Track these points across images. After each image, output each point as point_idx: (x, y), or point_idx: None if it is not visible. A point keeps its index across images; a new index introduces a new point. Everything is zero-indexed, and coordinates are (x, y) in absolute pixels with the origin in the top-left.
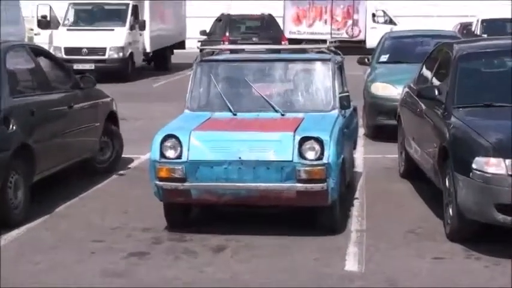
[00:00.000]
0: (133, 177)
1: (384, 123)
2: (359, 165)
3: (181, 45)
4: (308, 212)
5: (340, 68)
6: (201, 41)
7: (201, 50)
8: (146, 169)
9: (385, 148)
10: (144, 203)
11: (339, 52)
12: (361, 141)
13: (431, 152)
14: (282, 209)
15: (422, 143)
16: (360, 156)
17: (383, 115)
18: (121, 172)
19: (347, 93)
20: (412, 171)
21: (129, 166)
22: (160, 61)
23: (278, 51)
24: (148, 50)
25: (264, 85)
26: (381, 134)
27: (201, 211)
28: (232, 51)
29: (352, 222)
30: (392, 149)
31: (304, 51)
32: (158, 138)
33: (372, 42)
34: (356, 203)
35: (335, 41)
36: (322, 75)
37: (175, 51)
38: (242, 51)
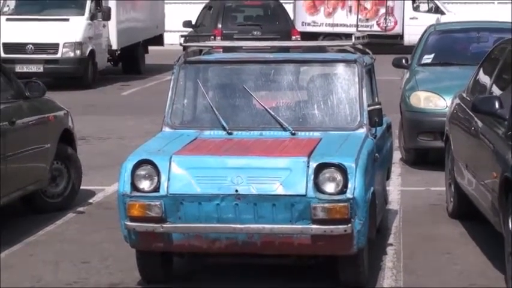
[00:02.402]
0: (96, 217)
1: (427, 146)
2: (394, 201)
3: (158, 40)
4: (327, 264)
5: (369, 72)
6: (184, 36)
7: (184, 48)
8: (113, 205)
9: (428, 178)
10: (110, 250)
11: (369, 51)
12: (396, 169)
13: (490, 184)
14: (293, 259)
15: (478, 172)
16: (395, 189)
17: (426, 135)
18: (79, 209)
19: (379, 106)
20: (464, 210)
21: (90, 201)
22: (130, 62)
23: (287, 49)
24: (114, 47)
25: (269, 94)
26: (423, 159)
27: (185, 262)
28: (226, 49)
29: (384, 277)
30: (438, 180)
31: (322, 49)
32: (129, 164)
33: (411, 38)
34: (390, 251)
35: (363, 36)
36: (345, 82)
37: (150, 48)
38: (239, 49)
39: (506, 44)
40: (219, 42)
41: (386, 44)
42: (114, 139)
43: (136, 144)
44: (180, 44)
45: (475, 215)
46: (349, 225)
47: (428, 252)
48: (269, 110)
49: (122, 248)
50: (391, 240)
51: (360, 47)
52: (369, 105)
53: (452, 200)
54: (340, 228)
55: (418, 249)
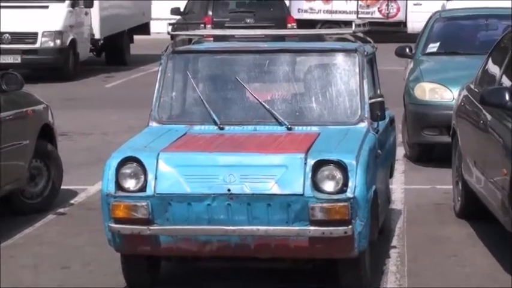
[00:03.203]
0: (78, 218)
1: (432, 141)
2: (397, 200)
3: (144, 29)
4: (326, 268)
5: (371, 62)
6: (172, 24)
7: (172, 37)
8: (96, 206)
9: (434, 176)
10: (92, 254)
11: (370, 40)
12: (399, 166)
13: (500, 181)
14: (289, 263)
15: (487, 169)
16: (398, 187)
17: (431, 129)
18: (60, 211)
19: (381, 99)
20: (472, 209)
21: (71, 202)
22: (114, 52)
23: (283, 38)
24: (97, 36)
25: (263, 87)
26: (428, 155)
27: (174, 266)
28: (217, 38)
29: (387, 281)
30: (444, 178)
31: (320, 38)
32: (113, 162)
33: (415, 25)
34: (393, 253)
35: (364, 24)
36: (345, 73)
37: (135, 37)
38: (231, 38)
39: None
40: (209, 31)
41: (389, 31)
42: (97, 135)
43: (121, 141)
44: (168, 33)
45: (484, 214)
46: (350, 226)
47: (434, 255)
48: (263, 103)
49: (105, 252)
50: (394, 242)
51: (361, 35)
52: (370, 98)
53: (459, 198)
54: (340, 229)
55: (423, 251)
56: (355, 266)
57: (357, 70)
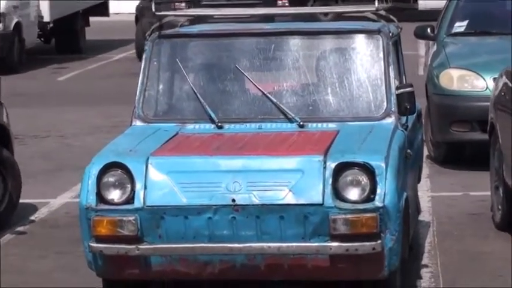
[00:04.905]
0: (41, 238)
1: (462, 139)
2: (424, 210)
3: (101, 10)
4: None
5: (396, 46)
6: (157, 2)
7: (159, 19)
8: (62, 223)
9: (465, 181)
10: (63, 281)
11: (393, 18)
12: (423, 169)
13: None
14: (307, 285)
15: None
16: (424, 194)
17: (461, 125)
18: (19, 229)
19: (410, 88)
20: None
21: (31, 218)
22: (66, 38)
23: (272, 18)
24: (46, 18)
25: (269, 76)
26: (457, 156)
27: None
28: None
29: None
30: (478, 182)
31: (314, 17)
32: (94, 169)
33: (427, 2)
34: (425, 273)
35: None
36: (367, 59)
37: (92, 20)
38: (210, 19)
39: None
40: (204, 10)
41: (397, 8)
42: (54, 137)
43: (84, 144)
44: (154, 14)
45: None
46: (379, 241)
47: (474, 275)
48: (269, 96)
49: (77, 278)
50: (425, 260)
51: (383, 13)
52: (397, 88)
53: (500, 207)
54: (367, 245)
55: (461, 271)
56: None
57: (381, 55)
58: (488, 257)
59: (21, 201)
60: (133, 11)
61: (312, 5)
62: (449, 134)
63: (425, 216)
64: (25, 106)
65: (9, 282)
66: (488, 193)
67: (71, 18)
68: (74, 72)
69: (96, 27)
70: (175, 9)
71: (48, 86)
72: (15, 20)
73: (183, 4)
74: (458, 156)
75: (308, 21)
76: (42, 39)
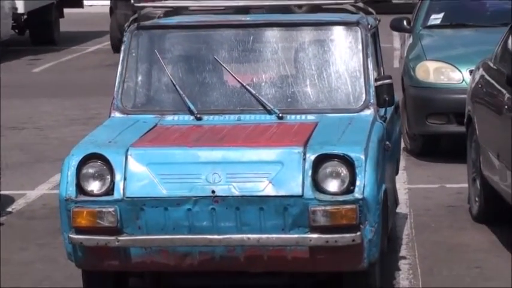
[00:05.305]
0: (20, 229)
1: (438, 131)
2: (401, 202)
3: (75, 1)
4: (329, 283)
5: (374, 38)
6: None
7: (136, 10)
8: (39, 215)
9: (442, 173)
10: (44, 272)
11: (372, 10)
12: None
13: None
14: (286, 278)
15: None
16: (401, 187)
17: (437, 117)
18: None
19: (389, 80)
20: (493, 210)
21: (8, 210)
22: (40, 29)
23: (247, 10)
24: (21, 10)
25: (247, 68)
26: (433, 148)
27: (146, 284)
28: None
29: None
30: (454, 175)
31: (287, 10)
32: (73, 160)
33: None
34: (404, 265)
35: None
36: (346, 50)
37: (66, 11)
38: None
39: None
40: (180, 2)
41: (368, 1)
42: (31, 129)
43: (60, 136)
44: (131, 5)
45: (508, 217)
46: (358, 233)
47: (452, 266)
48: (248, 87)
49: (58, 269)
50: (403, 252)
51: (361, 5)
52: (376, 80)
53: (477, 199)
54: (346, 237)
55: (439, 262)
56: (364, 280)
57: (360, 47)
58: (466, 249)
59: None
60: (108, 2)
61: None
62: (426, 127)
63: (402, 208)
64: (1, 98)
65: None
66: (465, 185)
67: (45, 9)
68: (49, 64)
69: (70, 18)
70: (153, 1)
71: (23, 78)
72: None
73: None
74: (435, 149)
75: (283, 13)
76: (17, 30)
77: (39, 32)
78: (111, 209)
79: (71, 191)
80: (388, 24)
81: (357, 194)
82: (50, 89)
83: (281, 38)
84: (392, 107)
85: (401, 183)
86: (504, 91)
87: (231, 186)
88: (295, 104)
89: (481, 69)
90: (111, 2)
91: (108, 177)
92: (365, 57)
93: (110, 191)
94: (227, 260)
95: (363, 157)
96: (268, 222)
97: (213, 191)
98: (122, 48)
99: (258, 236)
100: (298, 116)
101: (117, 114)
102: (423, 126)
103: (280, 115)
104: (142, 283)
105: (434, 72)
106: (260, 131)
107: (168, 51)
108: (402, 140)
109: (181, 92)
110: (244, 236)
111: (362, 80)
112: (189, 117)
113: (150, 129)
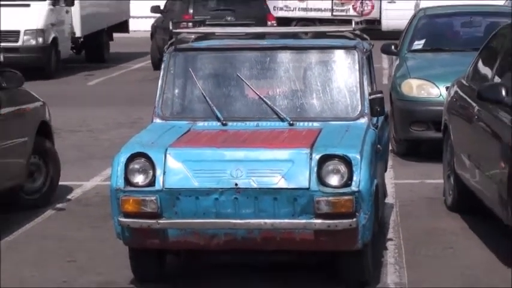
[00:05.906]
0: (77, 213)
1: (420, 137)
2: (389, 194)
3: (123, 27)
4: (328, 261)
5: (368, 59)
6: (174, 22)
7: (173, 35)
8: (93, 202)
9: (422, 170)
10: (96, 248)
11: (366, 37)
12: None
13: (497, 174)
14: (295, 256)
15: (483, 162)
16: (388, 182)
17: (419, 125)
18: (59, 206)
19: (380, 95)
20: (465, 202)
21: (68, 197)
22: (94, 50)
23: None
24: (78, 34)
25: (264, 83)
26: (415, 151)
27: (181, 260)
28: (204, 36)
29: (387, 273)
30: (432, 172)
31: (296, 36)
32: (122, 158)
33: (389, 23)
34: (390, 246)
35: (361, 22)
36: (345, 69)
37: (115, 35)
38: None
39: (509, 29)
40: (210, 29)
41: (363, 29)
42: (85, 132)
43: (109, 137)
44: (171, 31)
45: (477, 207)
46: (354, 219)
47: (430, 247)
48: (265, 99)
49: (108, 246)
50: (390, 235)
51: (358, 32)
52: (370, 94)
53: (451, 192)
54: (345, 222)
55: (420, 243)
56: (359, 258)
57: (357, 67)
58: (441, 233)
59: (59, 183)
60: (149, 28)
61: (295, 25)
62: (409, 133)
63: (390, 199)
64: (62, 106)
65: (52, 247)
66: (441, 181)
67: (98, 33)
68: (100, 79)
69: (118, 41)
70: (187, 28)
71: (79, 90)
72: (52, 35)
73: (190, 24)
74: (417, 151)
75: (292, 38)
76: (75, 51)
77: (93, 52)
78: (152, 198)
79: (120, 182)
80: (379, 48)
81: (354, 187)
82: (101, 99)
83: (292, 59)
84: (383, 116)
85: (389, 178)
86: (474, 104)
87: (251, 180)
88: (304, 114)
89: (455, 86)
90: (152, 28)
91: (151, 171)
92: (361, 75)
93: (152, 183)
94: (247, 240)
95: (358, 157)
96: (280, 209)
97: (236, 184)
98: (162, 66)
99: (272, 221)
100: (305, 123)
101: (157, 120)
102: (407, 133)
103: (291, 122)
104: (177, 260)
105: (417, 88)
106: (275, 135)
107: (199, 69)
108: (390, 144)
109: (210, 103)
110: (261, 220)
111: (358, 94)
112: (216, 123)
113: (185, 133)
